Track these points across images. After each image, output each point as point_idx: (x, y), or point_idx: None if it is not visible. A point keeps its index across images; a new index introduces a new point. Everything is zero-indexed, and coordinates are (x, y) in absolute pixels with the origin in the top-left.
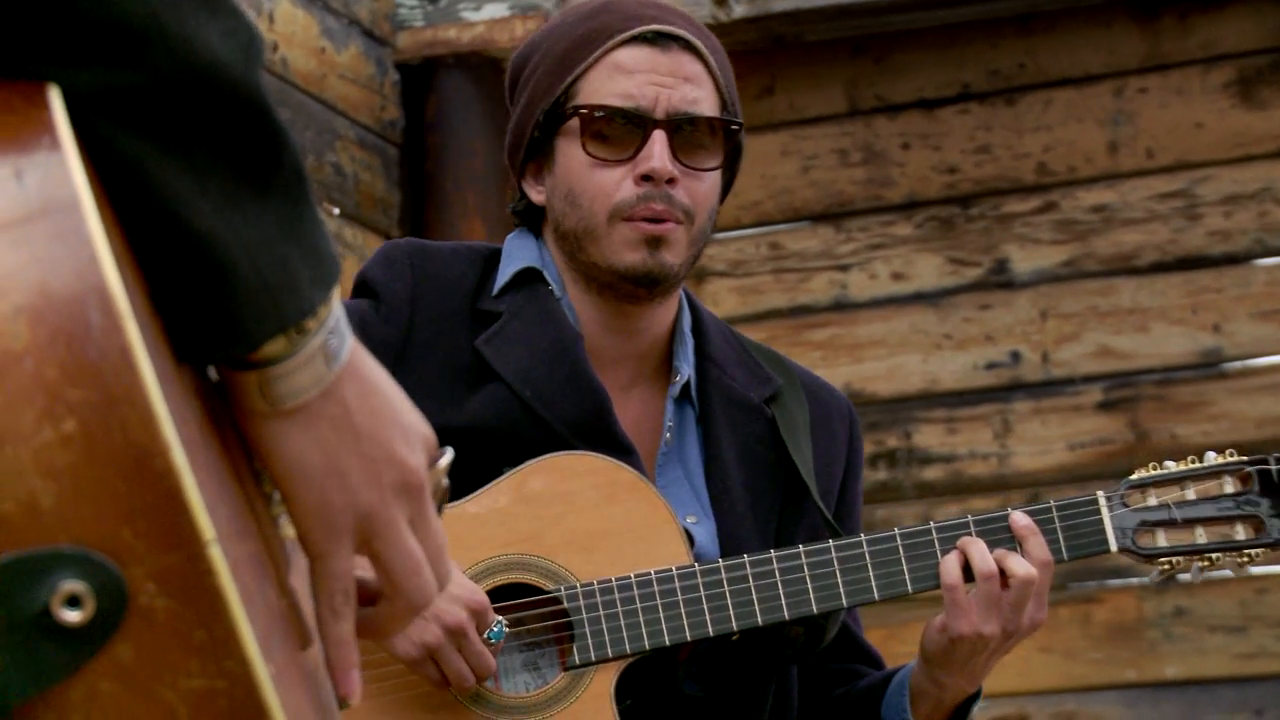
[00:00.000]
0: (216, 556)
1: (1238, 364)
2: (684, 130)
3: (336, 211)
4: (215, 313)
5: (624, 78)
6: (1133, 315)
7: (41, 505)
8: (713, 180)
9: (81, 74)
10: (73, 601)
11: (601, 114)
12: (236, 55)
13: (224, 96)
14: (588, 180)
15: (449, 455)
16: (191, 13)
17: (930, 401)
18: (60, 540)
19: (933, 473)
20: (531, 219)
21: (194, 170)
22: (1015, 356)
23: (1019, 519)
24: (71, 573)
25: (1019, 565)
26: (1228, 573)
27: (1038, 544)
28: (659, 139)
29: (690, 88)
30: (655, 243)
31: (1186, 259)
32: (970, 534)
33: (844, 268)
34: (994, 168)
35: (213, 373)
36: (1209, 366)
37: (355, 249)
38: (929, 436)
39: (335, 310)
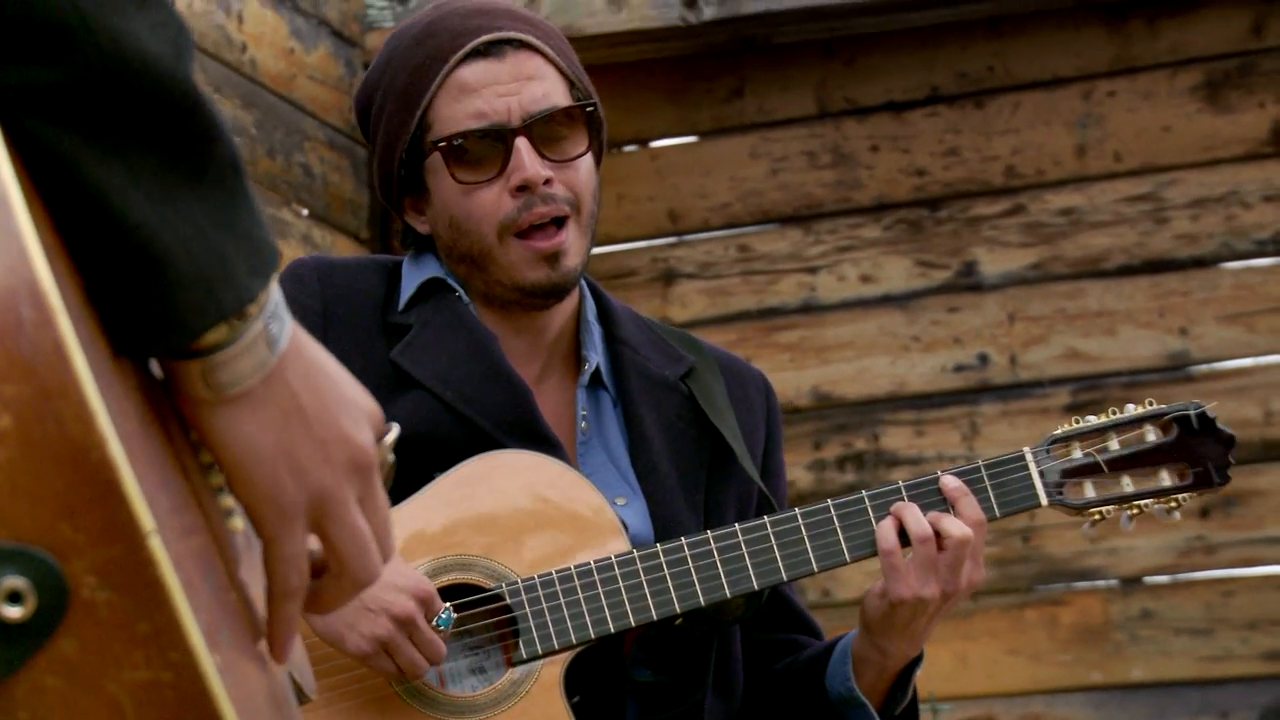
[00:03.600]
0: (157, 547)
1: (1204, 367)
2: (542, 128)
3: (305, 212)
4: (152, 305)
5: (470, 97)
6: (1100, 318)
7: None
8: (587, 164)
9: (7, 71)
10: (14, 598)
11: (460, 140)
12: (165, 48)
13: (153, 90)
14: (467, 205)
15: (395, 431)
16: (118, 7)
17: (898, 404)
18: None
19: (900, 475)
20: (421, 245)
21: (126, 164)
22: (983, 359)
23: (949, 482)
24: (11, 569)
25: (954, 526)
26: (1194, 574)
27: (969, 504)
28: (523, 147)
29: (535, 85)
30: (554, 258)
31: (1154, 262)
32: (903, 499)
33: (812, 270)
34: (962, 170)
35: (155, 369)
36: (1176, 369)
37: (324, 250)
38: (897, 439)
39: (274, 296)
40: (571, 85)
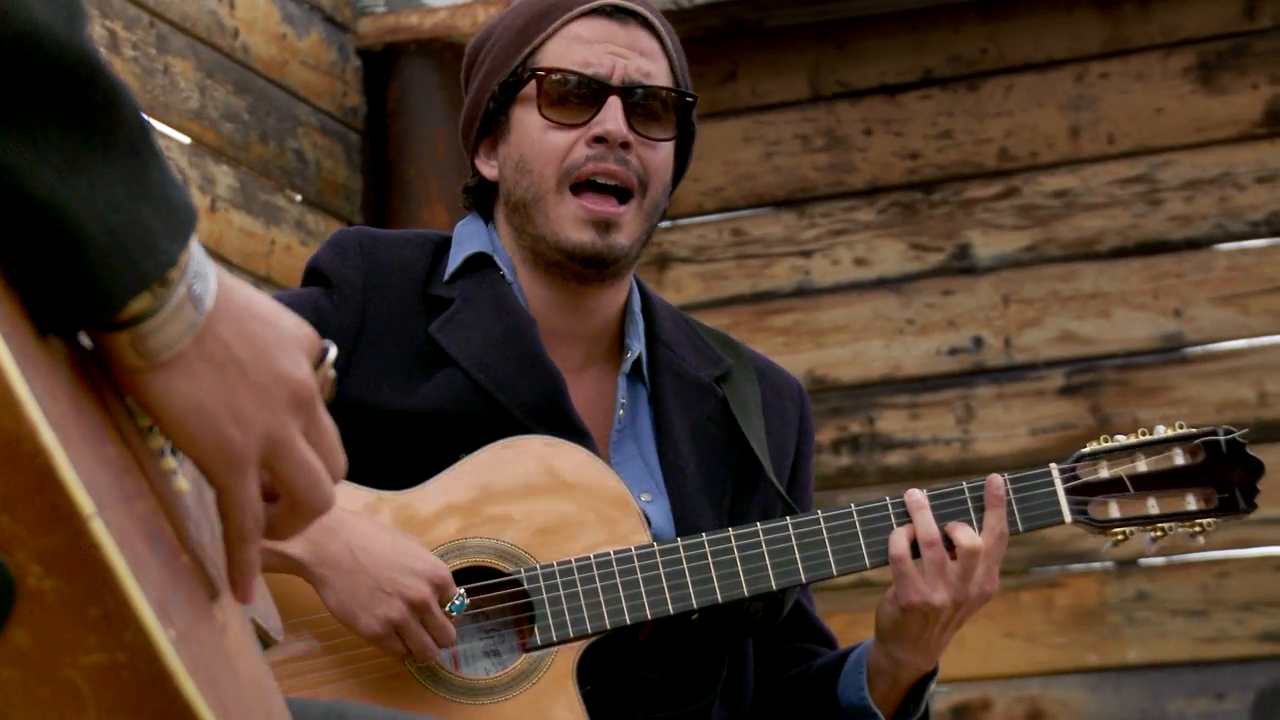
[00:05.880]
0: (99, 530)
1: (1199, 348)
2: (639, 99)
3: (299, 198)
4: (72, 281)
5: (582, 47)
6: (1094, 300)
7: None
8: (666, 151)
9: None
10: None
11: (559, 76)
12: (57, 16)
13: (49, 61)
14: (541, 143)
15: (333, 352)
16: None
17: (893, 387)
18: None
19: (896, 458)
20: (483, 201)
21: (28, 139)
22: (978, 342)
23: (996, 484)
24: None
25: (965, 535)
26: (1189, 555)
27: (997, 516)
28: (614, 104)
29: (646, 61)
30: (605, 225)
31: (1148, 244)
32: (924, 507)
33: (807, 253)
34: (956, 153)
35: (85, 339)
36: (1170, 351)
37: (317, 235)
38: (892, 422)
39: (195, 255)
40: (677, 84)
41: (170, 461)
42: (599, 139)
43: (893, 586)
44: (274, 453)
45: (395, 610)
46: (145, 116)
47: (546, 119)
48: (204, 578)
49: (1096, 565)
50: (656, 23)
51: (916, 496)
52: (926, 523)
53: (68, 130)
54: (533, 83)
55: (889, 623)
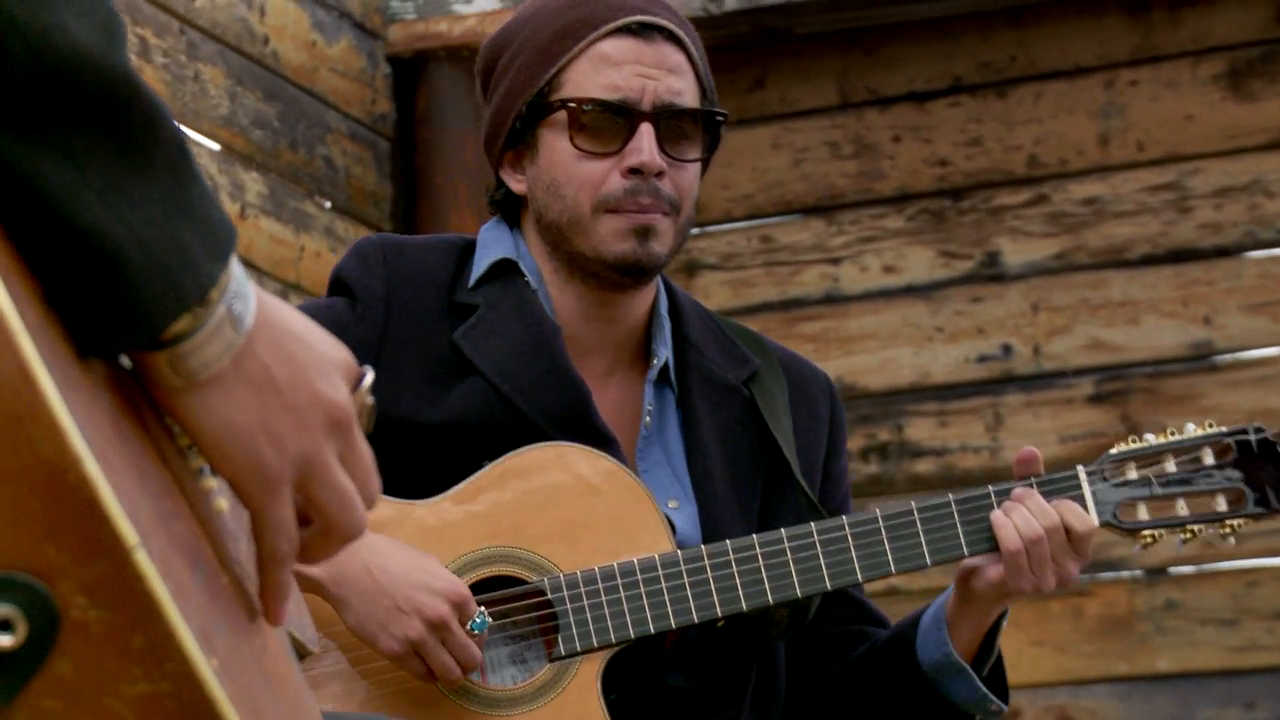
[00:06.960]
0: (142, 560)
1: (1229, 356)
2: (669, 122)
3: (328, 205)
4: (113, 304)
5: (610, 69)
6: (1124, 308)
7: None
8: (695, 170)
9: None
10: (4, 626)
11: (590, 107)
12: (97, 37)
13: (90, 83)
14: (573, 171)
15: (370, 376)
16: (44, 2)
17: (922, 394)
18: None
19: (924, 466)
20: (509, 209)
21: (71, 162)
22: (1007, 349)
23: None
24: None
25: (1079, 521)
26: (1219, 565)
27: (1071, 507)
28: (646, 132)
29: (674, 79)
30: (644, 233)
31: (1177, 251)
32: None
33: (835, 261)
34: (985, 160)
35: (124, 359)
36: (1200, 359)
37: (346, 242)
38: (920, 430)
39: (235, 274)
40: (703, 93)
41: (210, 481)
42: (634, 169)
43: (996, 570)
44: (308, 475)
45: (414, 630)
46: (183, 135)
47: (578, 148)
48: (244, 598)
49: (1126, 574)
50: (682, 34)
51: (1023, 515)
52: (1036, 513)
53: (109, 152)
54: (562, 110)
55: (988, 599)
